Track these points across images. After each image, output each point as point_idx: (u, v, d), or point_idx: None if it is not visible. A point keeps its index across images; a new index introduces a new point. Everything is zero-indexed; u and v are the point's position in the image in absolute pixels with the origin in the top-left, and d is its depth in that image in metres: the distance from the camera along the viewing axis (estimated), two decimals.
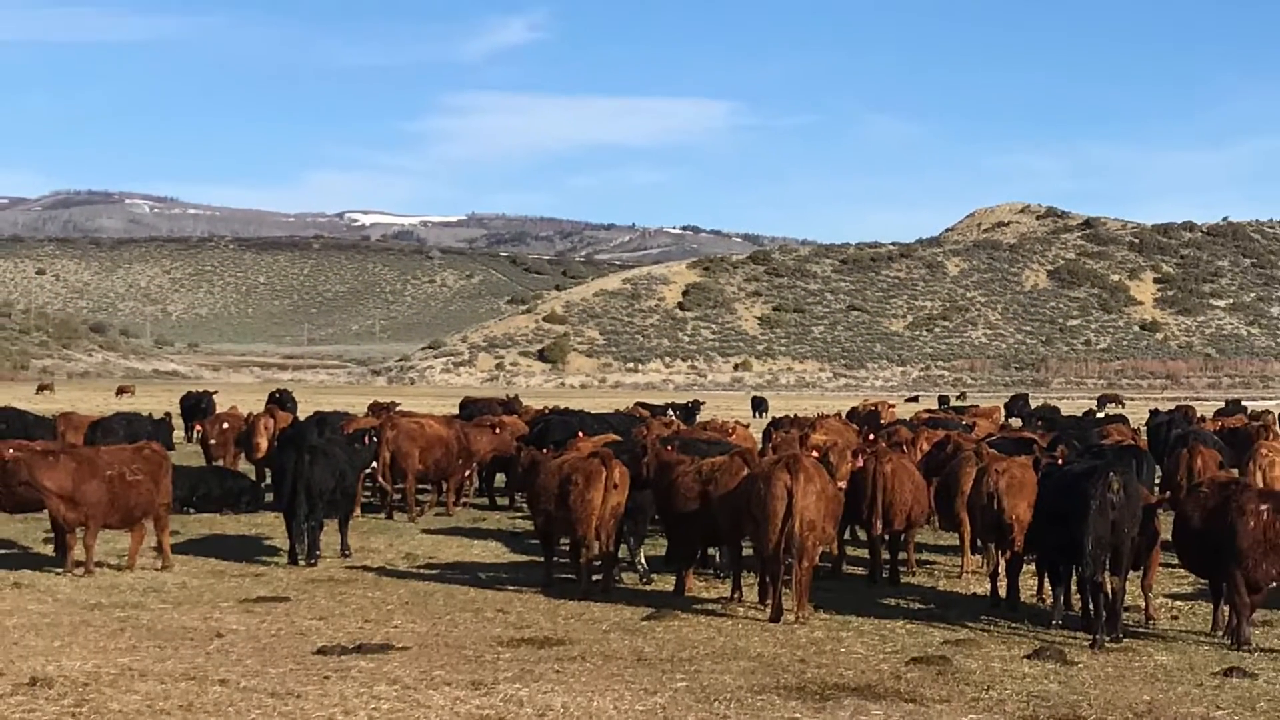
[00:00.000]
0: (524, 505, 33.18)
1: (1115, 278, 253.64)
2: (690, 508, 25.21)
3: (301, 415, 49.41)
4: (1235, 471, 30.36)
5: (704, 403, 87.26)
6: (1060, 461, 27.23)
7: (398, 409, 48.76)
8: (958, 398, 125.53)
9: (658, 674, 18.50)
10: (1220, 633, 21.94)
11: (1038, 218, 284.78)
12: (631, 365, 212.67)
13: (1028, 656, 20.04)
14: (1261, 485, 26.39)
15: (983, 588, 26.00)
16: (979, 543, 26.69)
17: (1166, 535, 23.39)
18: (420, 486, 38.66)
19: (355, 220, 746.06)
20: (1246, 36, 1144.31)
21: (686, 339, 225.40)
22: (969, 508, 26.63)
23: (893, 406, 77.32)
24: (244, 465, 43.49)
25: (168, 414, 52.83)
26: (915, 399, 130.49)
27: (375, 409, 51.76)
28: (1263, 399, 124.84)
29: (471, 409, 56.11)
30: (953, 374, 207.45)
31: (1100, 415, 71.29)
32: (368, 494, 36.65)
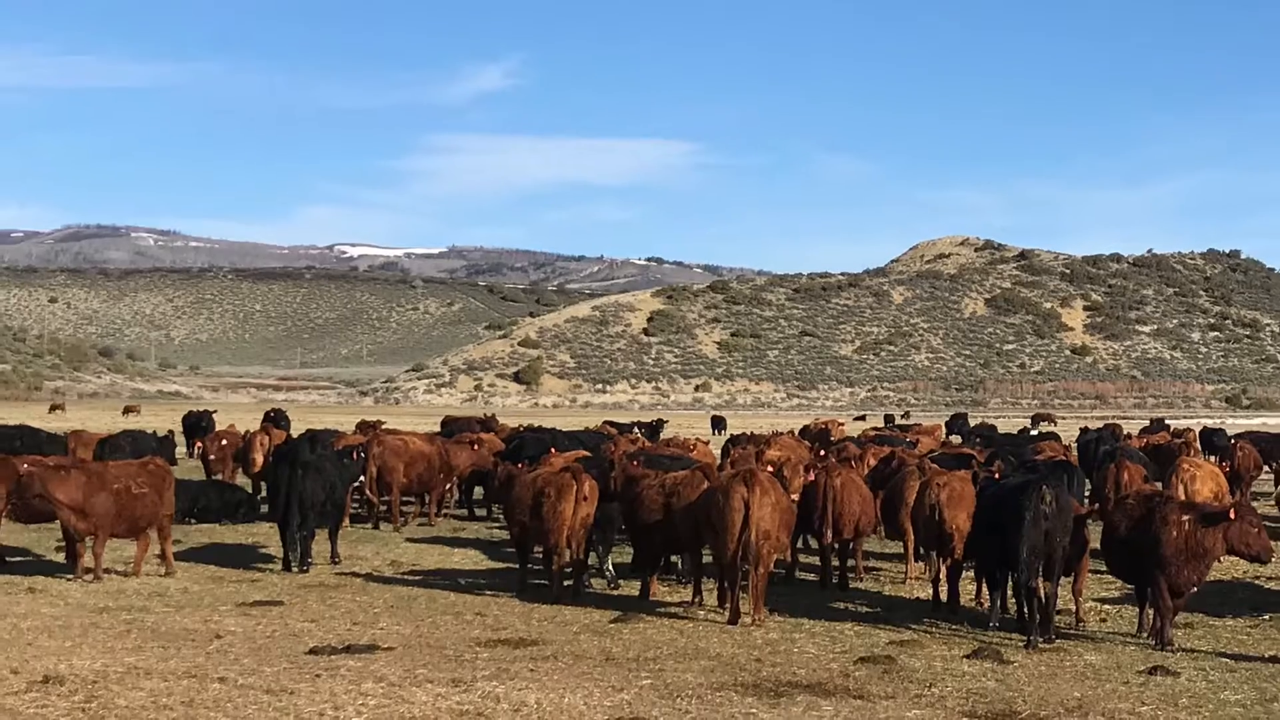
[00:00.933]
0: (501, 516, 33.28)
1: (1048, 305, 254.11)
2: (654, 518, 25.26)
3: (295, 433, 49.27)
4: (1159, 485, 30.40)
5: (667, 421, 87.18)
6: (997, 476, 27.26)
7: (383, 427, 48.63)
8: (902, 417, 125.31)
9: (624, 672, 18.51)
10: (1145, 634, 21.98)
11: (976, 250, 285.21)
12: (600, 386, 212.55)
13: (967, 656, 20.05)
14: (1183, 498, 26.39)
15: (925, 592, 25.97)
16: (922, 550, 26.77)
17: (1096, 544, 23.39)
18: (404, 499, 38.66)
19: (344, 252, 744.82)
20: (1169, 82, 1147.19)
21: (651, 362, 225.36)
22: (912, 518, 26.65)
23: (842, 425, 77.40)
24: (241, 479, 43.41)
25: (171, 432, 52.80)
26: (863, 418, 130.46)
27: (363, 427, 51.65)
28: (1184, 418, 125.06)
29: (452, 427, 56.08)
30: (897, 395, 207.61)
31: (1034, 433, 71.30)
32: (356, 506, 36.56)
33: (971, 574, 25.42)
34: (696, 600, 24.90)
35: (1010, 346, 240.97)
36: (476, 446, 42.16)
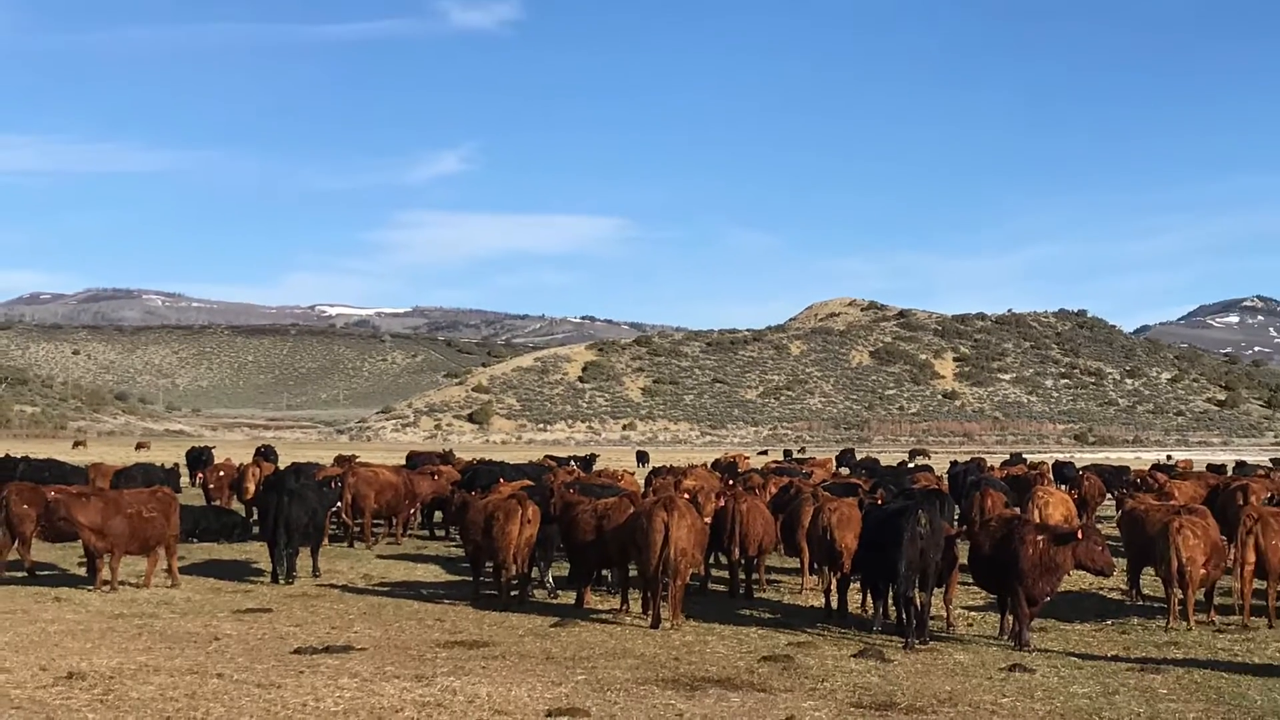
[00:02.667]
0: (457, 536, 33.22)
1: (923, 357, 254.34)
2: (588, 538, 25.27)
3: (282, 465, 49.11)
4: (1018, 510, 30.48)
5: (598, 455, 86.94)
6: (879, 502, 27.44)
7: (357, 461, 48.53)
8: (799, 451, 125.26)
9: (562, 669, 18.51)
10: (1006, 637, 22.06)
11: (862, 310, 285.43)
12: (542, 426, 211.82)
13: (854, 655, 20.07)
14: (1038, 521, 26.46)
15: (819, 601, 26.03)
16: (815, 565, 26.78)
17: (964, 559, 23.46)
18: (375, 521, 38.66)
19: (324, 312, 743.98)
20: (1023, 169, 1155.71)
21: (585, 405, 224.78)
22: (808, 538, 26.75)
23: (747, 458, 77.45)
24: (236, 505, 43.34)
25: (176, 464, 52.60)
26: (765, 452, 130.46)
27: (340, 460, 51.46)
28: (1039, 453, 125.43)
29: (416, 460, 55.97)
30: (795, 433, 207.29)
31: (911, 465, 71.44)
32: (334, 527, 36.47)
33: (858, 585, 25.48)
34: (624, 608, 24.91)
35: (891, 392, 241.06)
36: (436, 477, 42.42)
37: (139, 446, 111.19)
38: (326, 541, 33.53)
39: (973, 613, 25.19)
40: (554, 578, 27.98)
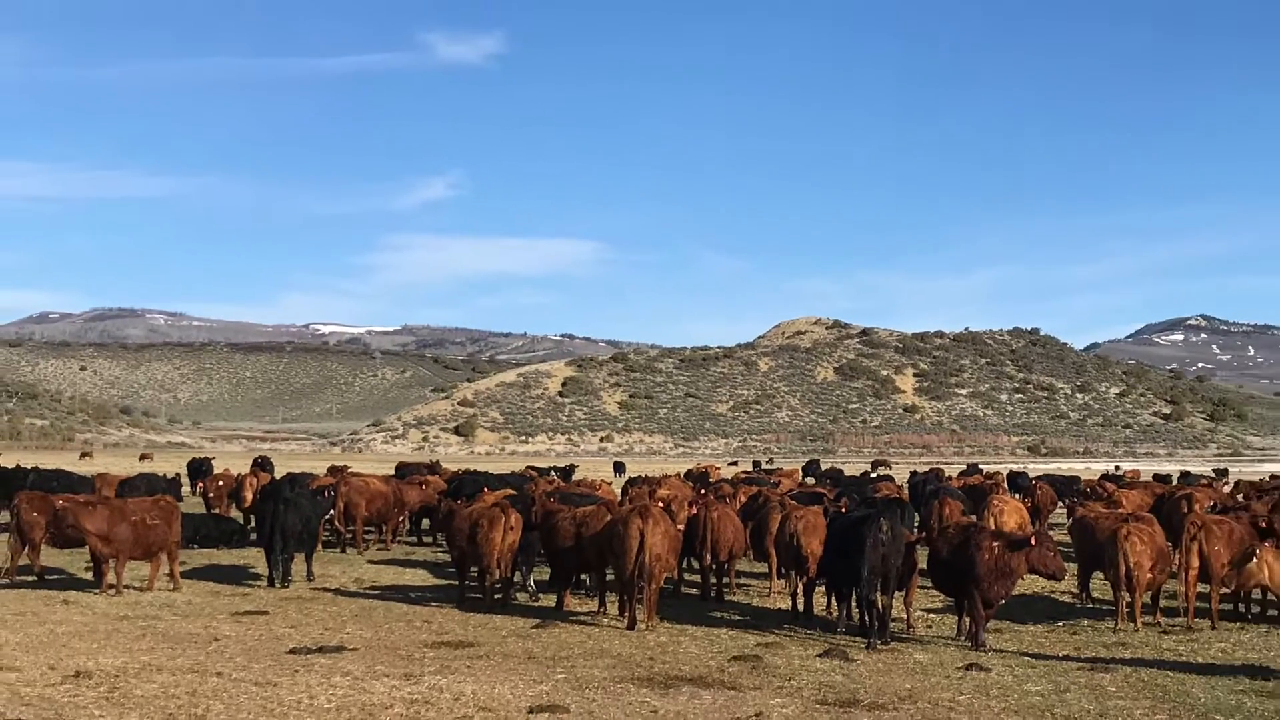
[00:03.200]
0: (444, 543, 33.12)
1: (884, 373, 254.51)
2: (567, 544, 25.26)
3: (278, 475, 49.05)
4: (974, 517, 30.53)
5: (577, 466, 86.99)
6: (843, 510, 27.42)
7: (349, 471, 48.51)
8: (767, 462, 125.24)
9: (543, 668, 18.50)
10: (963, 638, 22.09)
11: (826, 328, 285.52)
12: (524, 438, 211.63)
13: (820, 655, 20.08)
14: (993, 528, 26.51)
15: (786, 604, 26.02)
16: (783, 570, 26.76)
17: (923, 564, 23.50)
18: (366, 528, 38.61)
19: (318, 330, 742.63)
20: (981, 195, 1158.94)
21: (564, 418, 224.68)
22: (775, 544, 26.72)
23: (718, 469, 77.50)
24: (234, 512, 43.27)
25: (178, 474, 52.67)
26: (735, 463, 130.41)
27: (333, 470, 51.47)
28: (994, 463, 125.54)
29: (404, 471, 55.94)
30: (763, 445, 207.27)
31: (873, 475, 71.41)
32: (327, 534, 36.38)
33: (823, 589, 25.49)
34: (601, 610, 24.88)
35: (854, 405, 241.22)
36: (424, 486, 42.51)
37: (142, 457, 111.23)
38: (320, 547, 33.47)
39: (932, 615, 25.22)
40: (535, 582, 27.93)
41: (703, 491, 37.61)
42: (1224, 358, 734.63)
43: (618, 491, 44.13)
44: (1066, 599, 27.74)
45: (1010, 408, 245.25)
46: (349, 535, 37.73)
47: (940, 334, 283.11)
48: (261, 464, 59.52)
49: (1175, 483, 59.38)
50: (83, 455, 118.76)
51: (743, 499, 35.49)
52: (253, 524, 38.76)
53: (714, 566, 28.12)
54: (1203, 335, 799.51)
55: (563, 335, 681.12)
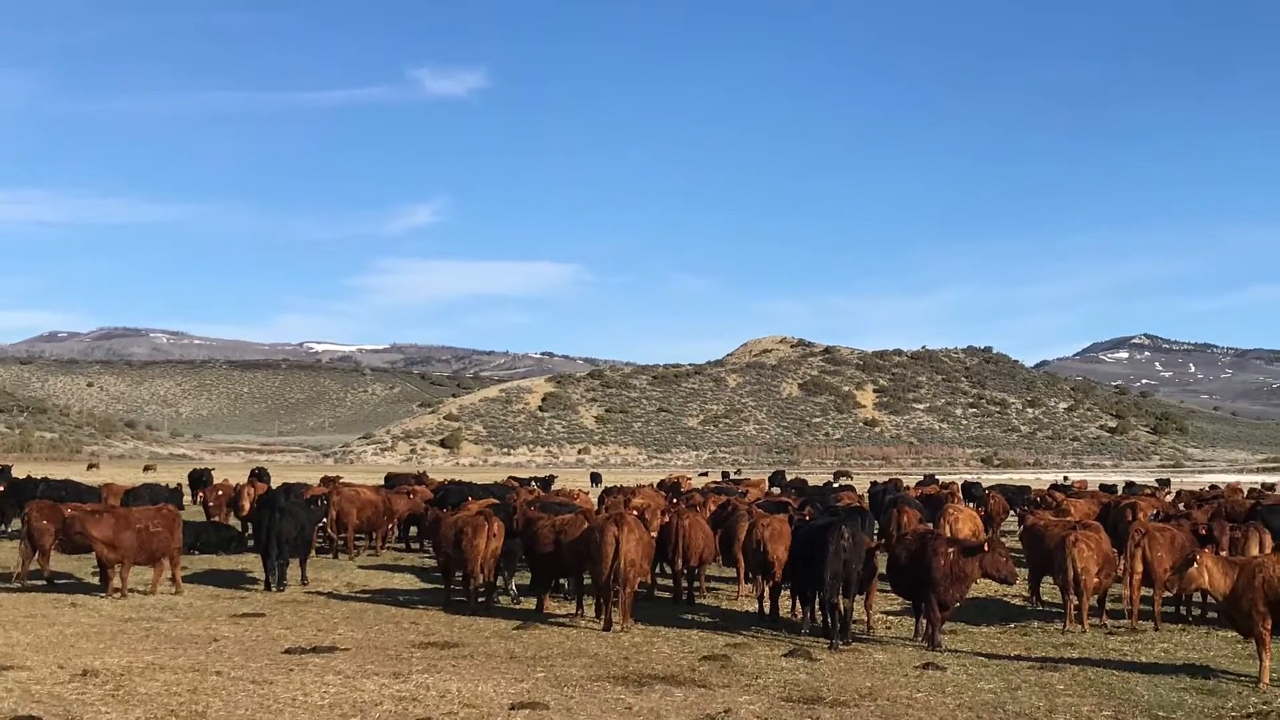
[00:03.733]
0: (430, 549, 33.17)
1: (846, 389, 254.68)
2: (547, 550, 25.29)
3: (274, 485, 48.99)
4: (931, 525, 30.57)
5: (556, 477, 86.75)
6: (807, 518, 27.46)
7: (341, 481, 48.45)
8: (735, 473, 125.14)
9: (524, 667, 18.52)
10: (920, 638, 22.10)
11: (791, 346, 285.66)
12: (506, 450, 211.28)
13: (785, 655, 20.12)
14: (949, 535, 26.56)
15: (753, 606, 26.04)
16: (750, 574, 26.77)
17: (883, 569, 23.53)
18: (357, 535, 38.57)
19: (311, 348, 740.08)
20: (938, 219, 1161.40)
21: (544, 431, 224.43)
22: (743, 550, 26.75)
23: (689, 479, 77.38)
24: (233, 520, 43.22)
25: (179, 484, 52.77)
26: (705, 474, 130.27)
27: (325, 481, 51.37)
28: (950, 474, 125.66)
29: (393, 481, 55.93)
30: (732, 457, 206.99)
31: (835, 485, 71.42)
32: (320, 540, 36.35)
33: (788, 592, 25.51)
34: (579, 612, 24.90)
35: (817, 420, 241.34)
36: (412, 495, 42.66)
37: (146, 468, 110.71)
38: (314, 553, 33.43)
39: (891, 617, 25.24)
40: (516, 586, 27.93)
41: (674, 501, 37.62)
42: (1166, 374, 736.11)
43: (595, 501, 44.12)
44: (1018, 602, 27.78)
45: (965, 422, 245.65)
46: (341, 541, 37.73)
47: (899, 352, 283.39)
48: (258, 475, 59.40)
49: (1120, 492, 59.45)
50: (90, 466, 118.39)
51: (712, 508, 35.46)
52: (250, 531, 38.72)
53: (685, 571, 28.13)
54: (1146, 353, 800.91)
55: (543, 353, 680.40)
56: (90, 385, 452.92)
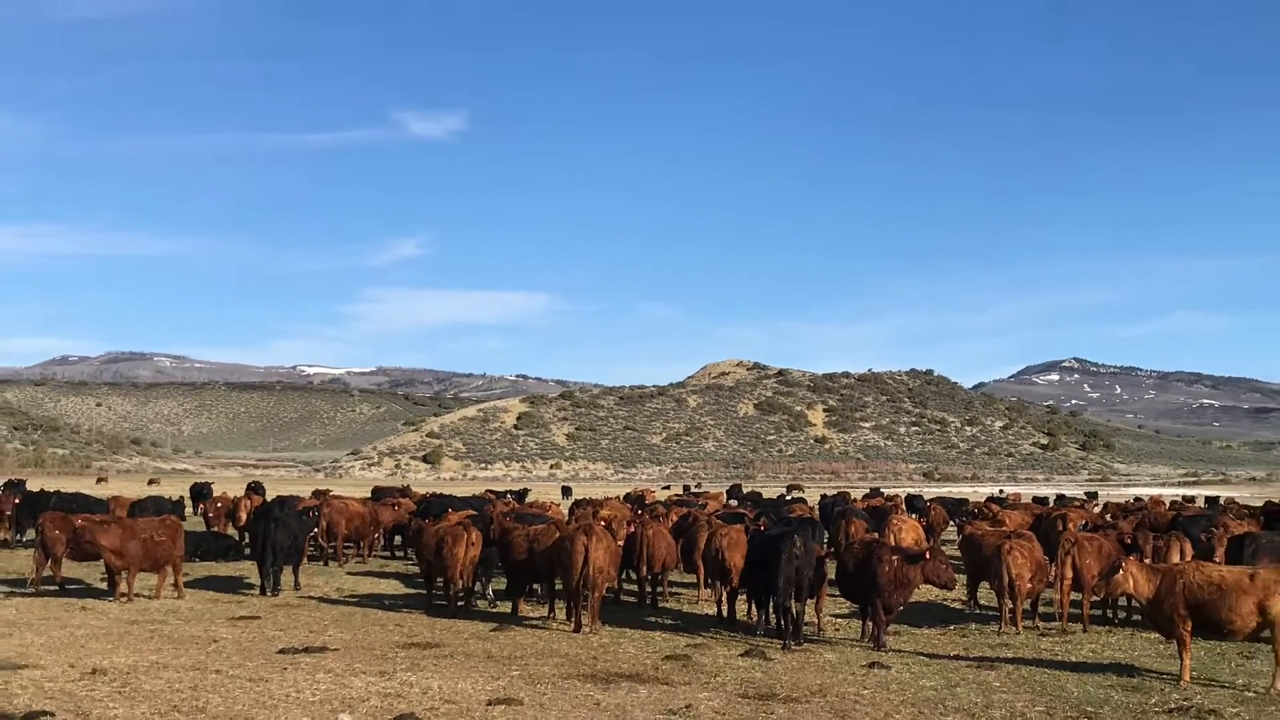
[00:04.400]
0: (413, 556, 33.14)
1: (798, 408, 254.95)
2: (521, 557, 25.31)
3: (269, 497, 48.91)
4: (876, 534, 30.65)
5: (530, 490, 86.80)
6: (762, 528, 27.49)
7: (331, 494, 48.42)
8: (696, 487, 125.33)
9: (500, 666, 18.51)
10: (867, 640, 22.16)
11: (747, 369, 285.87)
12: (483, 465, 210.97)
13: (741, 655, 20.15)
14: (893, 543, 26.63)
15: (712, 610, 26.09)
16: (709, 580, 26.84)
17: (832, 575, 23.59)
18: (346, 544, 38.55)
19: (304, 371, 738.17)
20: (881, 252, 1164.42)
21: (519, 448, 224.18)
22: (703, 557, 26.89)
23: (654, 492, 77.57)
24: (231, 530, 43.19)
25: (181, 497, 52.54)
26: (668, 488, 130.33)
27: (316, 493, 51.27)
28: (894, 488, 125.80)
29: (379, 494, 55.80)
30: (692, 471, 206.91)
31: (788, 498, 71.50)
32: (311, 549, 36.30)
33: (745, 597, 25.55)
34: (551, 615, 24.90)
35: (771, 437, 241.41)
36: (396, 507, 42.64)
37: (151, 482, 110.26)
38: (306, 560, 33.37)
39: (839, 619, 25.28)
40: (493, 590, 27.99)
41: (639, 512, 37.68)
42: (1094, 395, 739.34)
43: (565, 512, 44.13)
44: (957, 606, 27.87)
45: (908, 439, 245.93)
46: (331, 550, 37.76)
47: (847, 374, 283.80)
48: (254, 488, 59.19)
49: (1051, 504, 59.78)
50: (98, 480, 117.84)
51: (674, 518, 35.51)
52: (247, 540, 38.60)
53: (649, 577, 28.15)
54: (1076, 375, 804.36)
55: (518, 376, 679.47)
56: (99, 405, 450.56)
